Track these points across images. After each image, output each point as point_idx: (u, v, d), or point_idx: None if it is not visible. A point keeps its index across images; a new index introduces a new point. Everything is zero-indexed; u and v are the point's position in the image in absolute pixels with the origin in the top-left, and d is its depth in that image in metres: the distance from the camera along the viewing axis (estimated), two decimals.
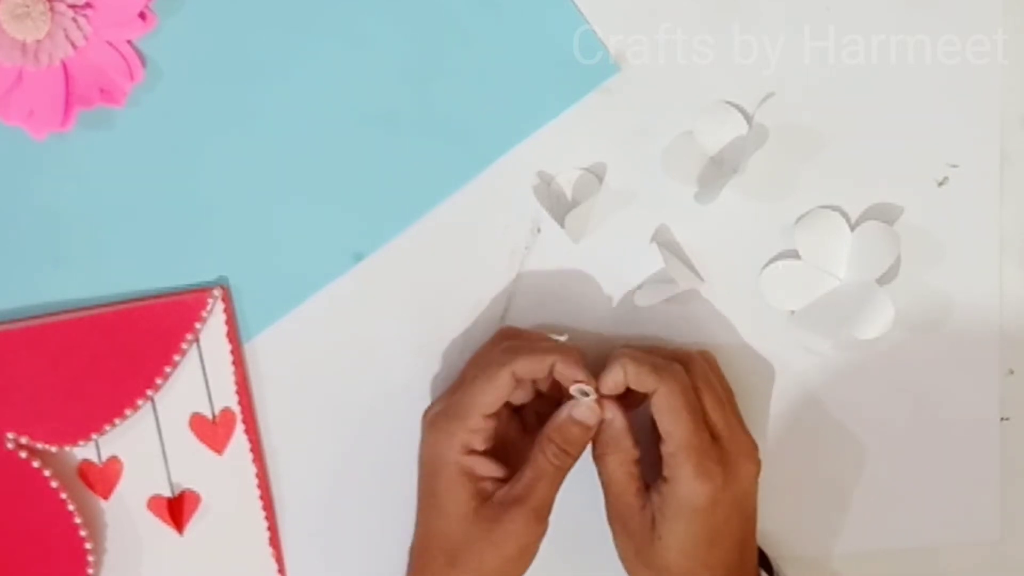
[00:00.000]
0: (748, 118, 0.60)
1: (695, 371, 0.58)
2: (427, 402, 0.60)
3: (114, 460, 0.62)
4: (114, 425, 0.60)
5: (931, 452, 0.63)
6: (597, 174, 0.61)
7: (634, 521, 0.58)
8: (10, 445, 0.59)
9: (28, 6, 0.56)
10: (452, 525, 0.57)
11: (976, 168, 0.61)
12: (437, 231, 0.61)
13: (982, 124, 0.61)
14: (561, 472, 0.57)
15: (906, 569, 0.64)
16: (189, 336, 0.60)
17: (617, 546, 0.59)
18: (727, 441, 0.57)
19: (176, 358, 0.60)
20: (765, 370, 0.63)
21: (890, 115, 0.61)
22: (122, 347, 0.60)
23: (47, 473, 0.60)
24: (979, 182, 0.61)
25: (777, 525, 0.64)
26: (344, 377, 0.62)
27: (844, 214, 0.61)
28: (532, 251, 0.61)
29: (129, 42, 0.58)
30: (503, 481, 0.57)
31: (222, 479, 0.62)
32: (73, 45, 0.57)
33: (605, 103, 0.60)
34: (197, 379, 0.61)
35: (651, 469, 0.58)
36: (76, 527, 0.60)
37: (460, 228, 0.61)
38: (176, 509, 0.62)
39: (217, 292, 0.60)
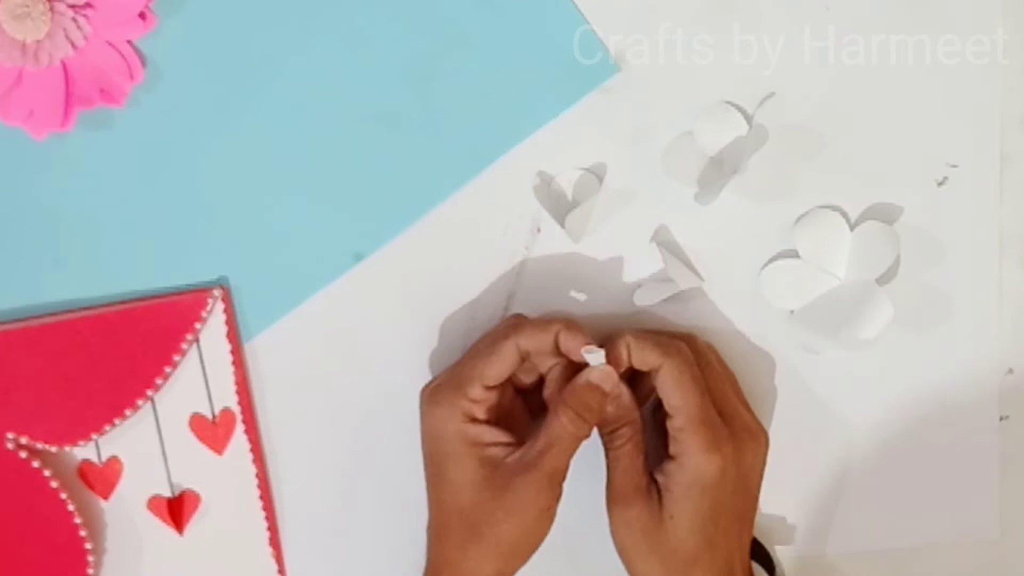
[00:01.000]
0: (748, 118, 0.60)
1: (698, 349, 0.59)
2: None
3: (114, 460, 0.62)
4: (114, 425, 0.60)
5: (930, 451, 0.63)
6: (597, 174, 0.61)
7: (640, 503, 0.57)
8: (10, 445, 0.59)
9: (28, 6, 0.56)
10: (464, 497, 0.56)
11: (976, 168, 0.61)
12: (437, 231, 0.61)
13: (982, 124, 0.61)
14: (575, 440, 0.56)
15: (905, 568, 0.65)
16: (189, 336, 0.60)
17: (618, 534, 0.58)
18: (732, 419, 0.57)
19: (176, 358, 0.60)
20: (764, 369, 0.63)
21: (890, 115, 0.61)
22: (122, 347, 0.60)
23: (47, 473, 0.60)
24: (979, 182, 0.61)
25: (775, 523, 0.64)
26: (344, 377, 0.62)
27: (844, 214, 0.61)
28: (532, 251, 0.62)
29: (129, 42, 0.58)
30: (509, 446, 0.57)
31: (222, 479, 0.62)
32: (73, 45, 0.57)
33: (605, 103, 0.60)
34: (197, 379, 0.61)
35: (654, 454, 0.58)
36: (76, 527, 0.60)
37: (460, 228, 0.61)
38: (176, 509, 0.62)
39: (217, 292, 0.60)
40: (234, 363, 0.61)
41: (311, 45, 0.59)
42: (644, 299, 0.61)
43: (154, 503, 0.62)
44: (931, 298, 0.62)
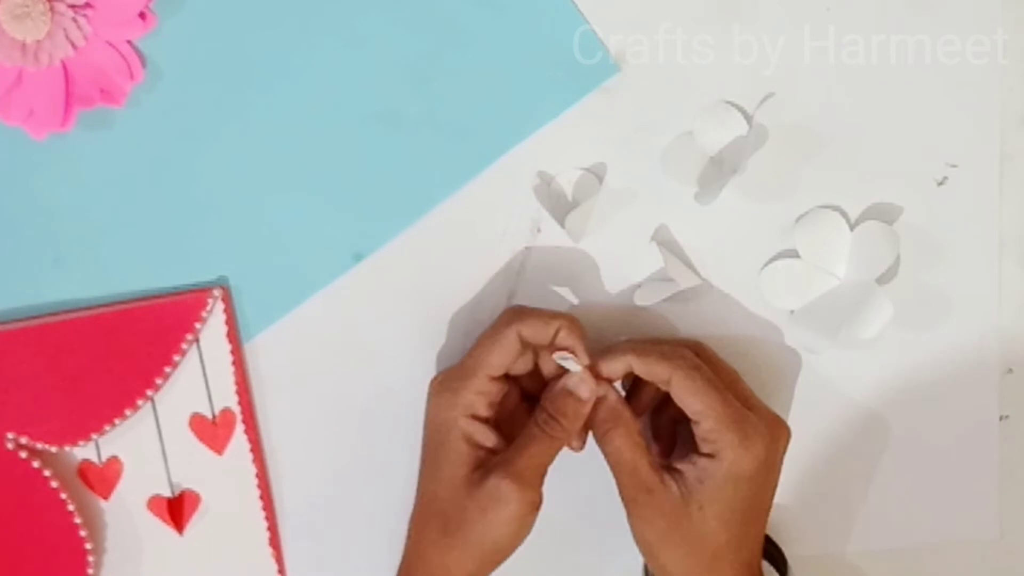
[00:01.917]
0: (748, 118, 0.60)
1: (704, 355, 0.59)
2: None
3: (114, 460, 0.62)
4: (114, 425, 0.60)
5: (930, 451, 0.63)
6: (597, 174, 0.61)
7: (659, 496, 0.56)
8: (10, 445, 0.59)
9: (28, 6, 0.56)
10: (444, 490, 0.57)
11: (976, 168, 0.61)
12: (437, 231, 0.61)
13: (982, 124, 0.61)
14: (551, 442, 0.56)
15: (905, 568, 0.65)
16: (189, 336, 0.60)
17: (639, 530, 0.57)
18: (758, 411, 0.57)
19: (176, 358, 0.60)
20: (764, 369, 0.63)
21: (890, 115, 0.61)
22: (122, 347, 0.60)
23: (47, 473, 0.60)
24: (979, 182, 0.61)
25: (776, 524, 0.64)
26: (344, 376, 0.62)
27: (844, 213, 0.61)
28: (532, 251, 0.62)
29: (129, 42, 0.58)
30: (500, 452, 0.57)
31: (222, 479, 0.62)
32: (73, 45, 0.57)
33: (605, 103, 0.60)
34: (197, 379, 0.61)
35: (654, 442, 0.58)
36: (76, 527, 0.60)
37: (460, 228, 0.61)
38: (176, 509, 0.62)
39: (217, 292, 0.60)
40: (234, 363, 0.61)
41: (311, 45, 0.59)
42: (644, 298, 0.61)
43: (154, 503, 0.62)
44: (931, 298, 0.62)
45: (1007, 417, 0.63)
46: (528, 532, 0.56)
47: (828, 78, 0.60)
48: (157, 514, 0.62)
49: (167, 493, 0.62)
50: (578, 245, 0.61)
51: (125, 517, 0.62)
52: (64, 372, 0.60)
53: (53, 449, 0.60)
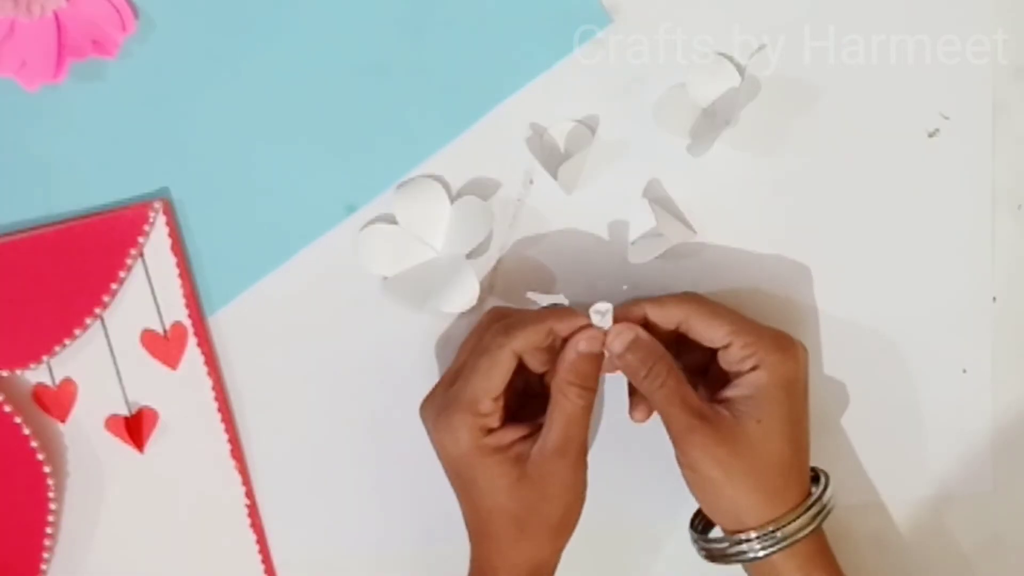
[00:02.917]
0: (740, 70, 0.60)
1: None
2: (411, 350, 0.61)
3: (68, 382, 0.61)
4: (64, 346, 0.59)
5: (924, 406, 0.63)
6: (590, 126, 0.61)
7: (715, 421, 0.55)
8: None
9: None
10: (503, 499, 0.56)
11: (968, 119, 0.61)
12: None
13: (974, 75, 0.61)
14: (587, 410, 0.57)
15: (900, 521, 0.65)
16: (133, 251, 0.59)
17: (698, 462, 0.56)
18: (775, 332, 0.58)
19: (121, 274, 0.59)
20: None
21: (882, 67, 0.61)
22: (66, 266, 0.59)
23: (0, 398, 0.59)
24: (971, 133, 0.61)
25: None
26: (332, 321, 0.62)
27: (446, 184, 0.61)
28: (525, 203, 0.61)
29: None
30: (528, 437, 0.57)
31: (178, 394, 0.62)
32: None
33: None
34: (145, 295, 0.61)
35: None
36: (33, 451, 0.60)
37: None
38: (135, 428, 0.62)
39: (158, 205, 0.60)
40: (180, 276, 0.60)
41: None
42: (637, 256, 0.61)
43: (112, 423, 0.62)
44: (923, 249, 0.62)
45: (1000, 371, 0.63)
46: (582, 501, 0.57)
47: (824, 30, 0.60)
48: (116, 434, 0.62)
49: (124, 412, 0.62)
50: (571, 197, 0.61)
51: (84, 439, 0.62)
52: (8, 295, 0.59)
53: (4, 373, 0.59)
